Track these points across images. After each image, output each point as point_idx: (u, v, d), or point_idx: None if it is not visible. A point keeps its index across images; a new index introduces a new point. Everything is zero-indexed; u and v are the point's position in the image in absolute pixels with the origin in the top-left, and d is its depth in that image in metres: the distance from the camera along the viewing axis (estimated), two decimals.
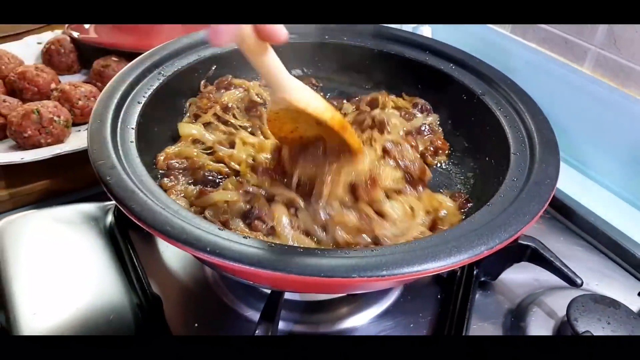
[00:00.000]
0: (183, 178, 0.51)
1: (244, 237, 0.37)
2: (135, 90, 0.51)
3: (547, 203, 0.40)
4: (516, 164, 0.46)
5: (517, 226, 0.37)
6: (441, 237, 0.36)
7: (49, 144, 0.64)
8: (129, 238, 0.56)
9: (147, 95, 0.51)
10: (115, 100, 0.48)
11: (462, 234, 0.36)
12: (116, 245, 0.55)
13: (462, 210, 0.49)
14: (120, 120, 0.47)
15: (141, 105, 0.50)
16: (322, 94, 0.66)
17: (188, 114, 0.59)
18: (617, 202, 0.67)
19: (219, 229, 0.37)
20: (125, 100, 0.49)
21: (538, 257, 0.48)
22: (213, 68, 0.61)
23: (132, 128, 0.47)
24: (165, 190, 0.45)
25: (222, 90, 0.59)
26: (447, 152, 0.57)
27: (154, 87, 0.52)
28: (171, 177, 0.50)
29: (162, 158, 0.52)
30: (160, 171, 0.52)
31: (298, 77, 0.65)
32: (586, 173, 0.70)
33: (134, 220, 0.37)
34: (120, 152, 0.43)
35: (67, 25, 0.86)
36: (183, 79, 0.57)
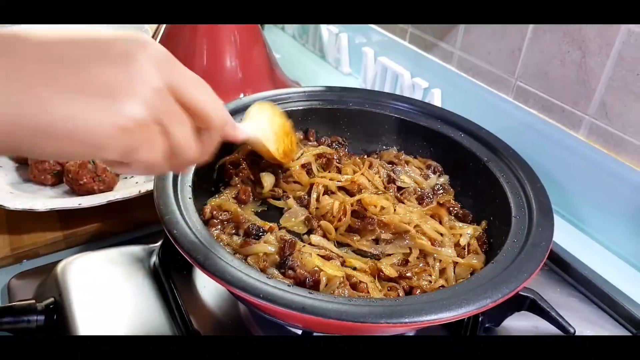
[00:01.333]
0: (228, 229, 0.58)
1: (288, 285, 0.44)
2: None
3: (543, 262, 0.47)
4: (516, 226, 0.53)
5: (517, 283, 0.44)
6: (453, 291, 0.44)
7: (101, 191, 0.72)
8: (172, 278, 0.63)
9: None
10: None
11: (471, 288, 0.44)
12: (160, 285, 0.63)
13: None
14: (179, 178, 0.55)
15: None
16: (346, 150, 0.75)
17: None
18: (609, 256, 0.73)
19: (267, 277, 0.45)
20: None
21: (536, 307, 0.55)
22: None
23: (189, 186, 0.55)
24: None
25: None
26: (458, 211, 0.65)
27: None
28: (218, 226, 0.58)
29: (207, 210, 0.60)
30: (207, 219, 0.59)
31: (324, 137, 0.74)
32: (582, 229, 0.77)
33: (199, 269, 0.44)
34: (182, 207, 0.51)
35: None
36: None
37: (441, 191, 0.66)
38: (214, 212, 0.59)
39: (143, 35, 0.35)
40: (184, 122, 0.36)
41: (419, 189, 0.67)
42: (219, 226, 0.58)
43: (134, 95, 0.32)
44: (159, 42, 0.89)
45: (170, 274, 0.63)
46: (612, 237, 0.74)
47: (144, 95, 0.33)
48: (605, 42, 0.70)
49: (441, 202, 0.64)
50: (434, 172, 0.70)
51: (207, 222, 0.58)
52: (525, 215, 0.54)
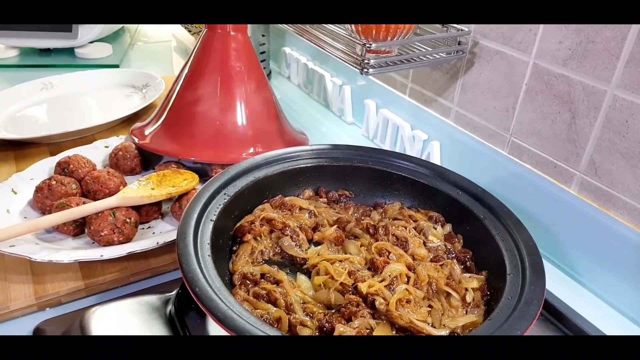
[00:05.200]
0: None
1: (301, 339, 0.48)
2: (207, 210, 0.64)
3: (535, 320, 0.51)
4: (510, 283, 0.57)
5: None
6: None
7: (120, 242, 0.76)
8: (187, 326, 0.67)
9: (216, 213, 0.64)
10: (194, 221, 0.61)
11: None
12: (176, 332, 0.66)
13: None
14: (199, 237, 0.59)
15: (212, 222, 0.63)
16: (352, 203, 0.79)
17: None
18: (602, 305, 0.76)
19: (281, 335, 0.49)
20: (201, 219, 0.62)
21: None
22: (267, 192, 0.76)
23: (208, 243, 0.59)
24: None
25: (278, 210, 0.73)
26: (468, 260, 0.69)
27: (221, 207, 0.65)
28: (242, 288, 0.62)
29: (236, 278, 0.64)
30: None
31: (332, 192, 0.79)
32: (576, 279, 0.81)
33: (218, 325, 0.48)
34: (202, 265, 0.55)
35: (130, 131, 1.01)
36: (242, 198, 0.70)
37: (450, 246, 0.70)
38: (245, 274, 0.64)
39: None
40: None
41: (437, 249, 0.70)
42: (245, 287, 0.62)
43: None
44: (198, 46, 0.95)
45: (185, 322, 0.66)
46: (604, 286, 0.77)
47: None
48: (593, 105, 0.75)
49: (454, 252, 0.69)
50: (436, 222, 0.74)
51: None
52: (519, 273, 0.58)
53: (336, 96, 1.28)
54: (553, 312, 0.73)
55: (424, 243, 0.69)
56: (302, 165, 0.76)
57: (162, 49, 1.73)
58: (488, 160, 0.91)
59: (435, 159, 1.00)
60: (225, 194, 0.68)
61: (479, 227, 0.68)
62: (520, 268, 0.59)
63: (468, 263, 0.68)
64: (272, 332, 0.48)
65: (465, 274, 0.65)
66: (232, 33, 0.93)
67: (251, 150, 0.91)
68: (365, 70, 0.82)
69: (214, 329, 0.68)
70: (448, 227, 0.74)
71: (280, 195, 0.76)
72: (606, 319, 0.72)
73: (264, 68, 1.40)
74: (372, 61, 0.81)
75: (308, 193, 0.79)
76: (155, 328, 0.66)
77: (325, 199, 0.78)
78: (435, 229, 0.73)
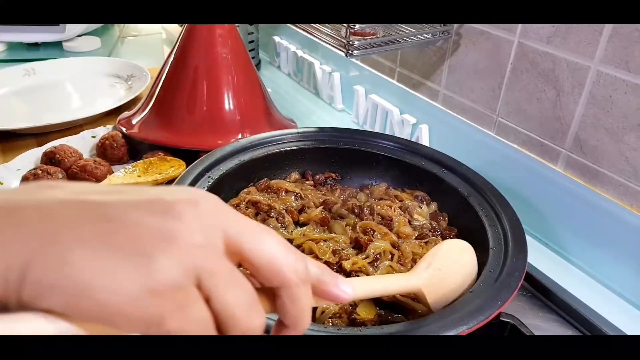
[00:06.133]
0: None
1: None
2: None
3: (516, 291, 0.51)
4: (493, 257, 0.57)
5: (492, 311, 0.49)
6: (432, 319, 0.48)
7: None
8: None
9: None
10: None
11: (448, 315, 0.48)
12: None
13: None
14: None
15: None
16: (339, 185, 0.79)
17: None
18: (588, 281, 0.77)
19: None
20: None
21: (517, 333, 0.59)
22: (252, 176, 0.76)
23: None
24: None
25: (263, 193, 0.73)
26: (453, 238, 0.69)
27: (205, 189, 0.65)
28: None
29: None
30: None
31: (319, 175, 0.79)
32: (563, 255, 0.81)
33: None
34: None
35: (117, 120, 1.01)
36: (227, 181, 0.70)
37: (436, 224, 0.71)
38: None
39: (194, 191, 0.31)
40: (238, 284, 0.29)
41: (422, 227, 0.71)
42: None
43: (170, 252, 0.27)
44: (183, 34, 0.95)
45: None
46: (591, 262, 0.78)
47: (181, 253, 0.27)
48: (578, 82, 0.75)
49: (440, 230, 0.69)
50: (421, 201, 0.74)
51: None
52: (502, 247, 0.58)
53: (326, 83, 1.28)
54: (540, 288, 0.73)
55: (409, 222, 0.69)
56: (287, 149, 0.77)
57: (152, 42, 1.73)
58: (476, 142, 0.91)
59: (424, 143, 0.99)
60: (209, 177, 0.68)
61: (464, 204, 0.68)
62: (503, 242, 0.59)
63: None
64: None
65: None
66: None
67: (239, 136, 0.91)
68: (350, 52, 0.81)
69: None
70: (434, 206, 0.74)
71: (266, 179, 0.76)
72: (592, 294, 0.73)
73: (253, 58, 1.40)
74: (356, 43, 0.81)
75: (294, 176, 0.79)
76: None
77: (312, 182, 0.79)
78: (421, 207, 0.73)
